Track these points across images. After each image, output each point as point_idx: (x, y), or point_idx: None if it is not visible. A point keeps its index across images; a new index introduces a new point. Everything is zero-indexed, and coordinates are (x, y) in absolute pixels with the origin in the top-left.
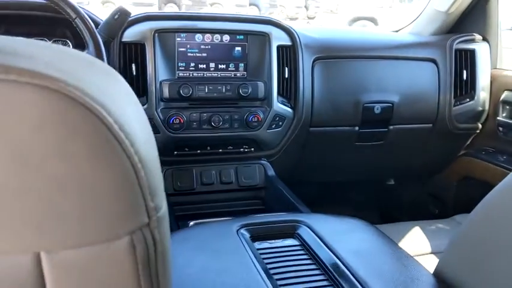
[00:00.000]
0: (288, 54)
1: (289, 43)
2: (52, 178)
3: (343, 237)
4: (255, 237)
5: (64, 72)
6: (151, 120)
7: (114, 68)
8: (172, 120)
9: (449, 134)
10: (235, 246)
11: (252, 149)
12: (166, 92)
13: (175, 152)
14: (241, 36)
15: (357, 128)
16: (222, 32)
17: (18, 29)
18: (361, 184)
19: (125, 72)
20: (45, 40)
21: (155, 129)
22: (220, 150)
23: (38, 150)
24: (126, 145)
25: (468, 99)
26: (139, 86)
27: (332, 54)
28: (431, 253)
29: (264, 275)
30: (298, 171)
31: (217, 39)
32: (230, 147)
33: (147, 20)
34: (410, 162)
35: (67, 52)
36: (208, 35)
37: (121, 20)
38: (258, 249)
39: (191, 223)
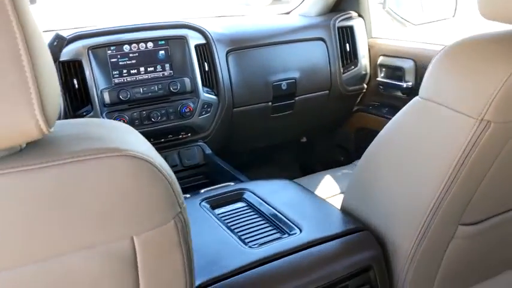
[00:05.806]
0: (205, 51)
1: (204, 41)
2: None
3: (276, 195)
4: (214, 206)
5: (123, 143)
6: None
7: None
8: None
9: (342, 96)
10: (202, 215)
11: (189, 134)
12: (107, 98)
13: None
14: (163, 42)
15: (270, 103)
16: (145, 40)
17: None
18: (281, 146)
19: (67, 87)
20: None
21: None
22: (163, 140)
23: None
24: (165, 175)
25: (353, 67)
26: (83, 97)
27: (241, 46)
28: (340, 193)
29: (229, 232)
30: (232, 144)
31: (143, 47)
32: (170, 135)
33: (79, 39)
34: (316, 121)
35: (113, 127)
36: (134, 45)
37: (59, 44)
38: (218, 214)
39: None
